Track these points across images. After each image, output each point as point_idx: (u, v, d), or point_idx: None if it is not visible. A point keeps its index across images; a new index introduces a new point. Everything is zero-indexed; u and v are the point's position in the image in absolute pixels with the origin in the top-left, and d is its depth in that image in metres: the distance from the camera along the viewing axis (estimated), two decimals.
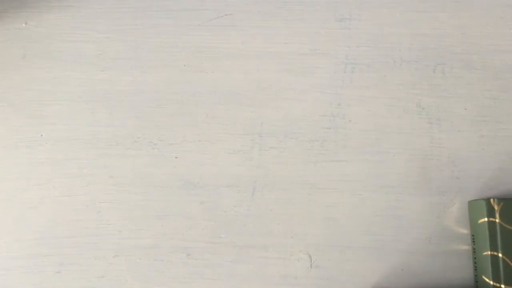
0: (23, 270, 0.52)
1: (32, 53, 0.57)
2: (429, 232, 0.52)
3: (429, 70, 0.55)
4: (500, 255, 0.47)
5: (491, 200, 0.48)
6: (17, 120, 0.55)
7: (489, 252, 0.47)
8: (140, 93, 0.56)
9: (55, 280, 0.51)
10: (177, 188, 0.53)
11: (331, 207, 0.52)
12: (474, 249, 0.50)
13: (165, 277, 0.51)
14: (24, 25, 0.58)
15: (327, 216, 0.52)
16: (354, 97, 0.55)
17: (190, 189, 0.53)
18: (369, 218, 0.52)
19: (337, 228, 0.52)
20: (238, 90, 0.56)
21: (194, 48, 0.57)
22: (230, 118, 0.55)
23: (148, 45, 0.57)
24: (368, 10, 0.57)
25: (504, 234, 0.47)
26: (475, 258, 0.49)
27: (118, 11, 0.58)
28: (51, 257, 0.52)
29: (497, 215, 0.47)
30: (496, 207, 0.48)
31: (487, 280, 0.47)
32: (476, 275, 0.49)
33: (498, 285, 0.46)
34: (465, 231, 0.51)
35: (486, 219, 0.48)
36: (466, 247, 0.51)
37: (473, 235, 0.50)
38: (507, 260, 0.47)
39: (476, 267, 0.49)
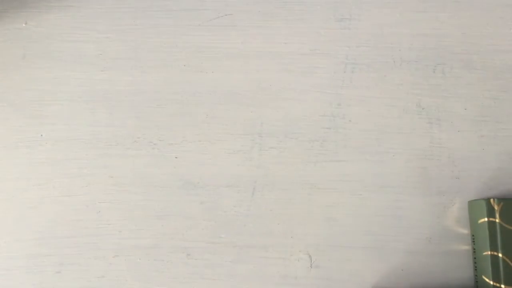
0: (23, 270, 0.52)
1: (32, 53, 0.57)
2: (429, 232, 0.52)
3: (429, 70, 0.55)
4: (500, 255, 0.47)
5: (491, 200, 0.48)
6: (17, 120, 0.55)
7: (489, 252, 0.47)
8: (140, 93, 0.56)
9: (55, 280, 0.51)
10: (177, 188, 0.53)
11: (331, 207, 0.52)
12: (474, 249, 0.50)
13: (165, 277, 0.51)
14: (24, 25, 0.58)
15: (327, 216, 0.52)
16: (354, 97, 0.55)
17: (190, 189, 0.53)
18: (369, 218, 0.52)
19: (337, 228, 0.52)
20: (238, 90, 0.56)
21: (194, 48, 0.57)
22: (230, 118, 0.55)
23: (148, 45, 0.57)
24: (368, 10, 0.57)
25: (504, 234, 0.47)
26: (475, 258, 0.49)
27: (118, 11, 0.58)
28: (51, 257, 0.52)
29: (497, 215, 0.47)
30: (496, 207, 0.48)
31: (487, 280, 0.47)
32: (476, 275, 0.49)
33: (498, 285, 0.46)
34: (465, 231, 0.51)
35: (486, 219, 0.48)
36: (466, 247, 0.51)
37: (473, 235, 0.50)
38: (507, 260, 0.47)
39: (476, 267, 0.49)
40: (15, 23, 0.58)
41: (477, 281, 0.49)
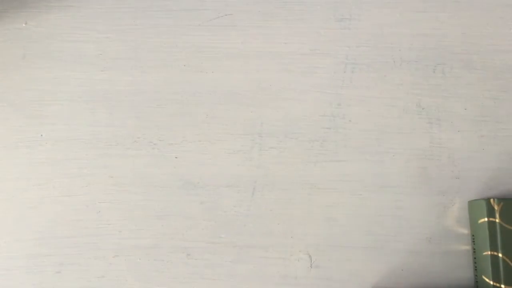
0: (23, 270, 0.52)
1: (32, 53, 0.57)
2: (429, 232, 0.52)
3: (429, 70, 0.55)
4: (500, 255, 0.47)
5: (491, 200, 0.48)
6: (17, 120, 0.55)
7: (489, 252, 0.47)
8: (140, 93, 0.56)
9: (55, 280, 0.51)
10: (177, 188, 0.53)
11: (331, 207, 0.52)
12: (474, 249, 0.50)
13: (165, 277, 0.51)
14: (24, 25, 0.58)
15: (327, 216, 0.52)
16: (354, 97, 0.55)
17: (190, 189, 0.53)
18: (369, 218, 0.52)
19: (337, 228, 0.52)
20: (238, 90, 0.56)
21: (194, 48, 0.57)
22: (230, 118, 0.55)
23: (148, 45, 0.57)
24: (368, 10, 0.57)
25: (504, 234, 0.47)
26: (475, 258, 0.49)
27: (118, 11, 0.58)
28: (51, 257, 0.52)
29: (497, 215, 0.47)
30: (496, 207, 0.48)
31: (487, 280, 0.47)
32: (476, 275, 0.49)
33: (498, 285, 0.46)
34: (465, 231, 0.51)
35: (486, 219, 0.48)
36: (466, 247, 0.51)
37: (473, 235, 0.50)
38: (507, 260, 0.47)
39: (476, 267, 0.49)
40: (15, 23, 0.58)
41: (477, 281, 0.49)
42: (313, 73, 0.56)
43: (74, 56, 0.57)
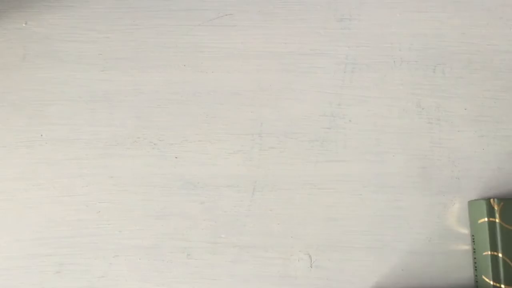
0: (23, 270, 0.52)
1: (32, 53, 0.57)
2: (429, 232, 0.52)
3: (429, 70, 0.55)
4: (500, 255, 0.47)
5: (491, 200, 0.48)
6: (17, 120, 0.55)
7: (489, 252, 0.47)
8: (140, 93, 0.56)
9: (55, 280, 0.51)
10: (177, 188, 0.53)
11: (331, 207, 0.52)
12: (474, 249, 0.50)
13: (165, 277, 0.51)
14: (24, 25, 0.58)
15: (327, 216, 0.52)
16: (354, 97, 0.55)
17: (190, 189, 0.53)
18: (369, 218, 0.52)
19: (337, 228, 0.52)
20: (238, 90, 0.56)
21: (194, 48, 0.57)
22: (230, 118, 0.55)
23: (148, 45, 0.57)
24: (368, 10, 0.57)
25: (504, 234, 0.47)
26: (475, 258, 0.49)
27: (118, 11, 0.58)
28: (51, 257, 0.52)
29: (497, 215, 0.47)
30: (496, 207, 0.48)
31: (487, 280, 0.47)
32: (476, 275, 0.49)
33: (498, 285, 0.46)
34: (465, 231, 0.51)
35: (486, 219, 0.48)
36: (466, 247, 0.51)
37: (473, 235, 0.50)
38: (507, 260, 0.47)
39: (476, 267, 0.49)
40: (15, 23, 0.58)
41: (477, 281, 0.49)
42: (313, 73, 0.56)
43: (74, 56, 0.57)
